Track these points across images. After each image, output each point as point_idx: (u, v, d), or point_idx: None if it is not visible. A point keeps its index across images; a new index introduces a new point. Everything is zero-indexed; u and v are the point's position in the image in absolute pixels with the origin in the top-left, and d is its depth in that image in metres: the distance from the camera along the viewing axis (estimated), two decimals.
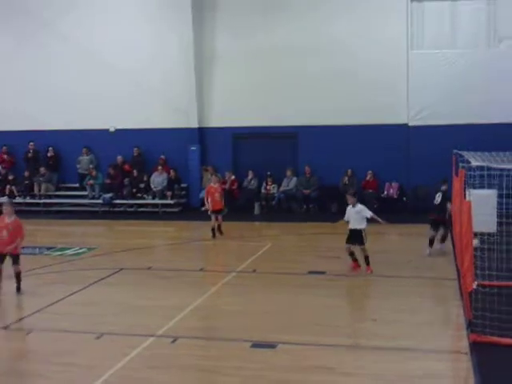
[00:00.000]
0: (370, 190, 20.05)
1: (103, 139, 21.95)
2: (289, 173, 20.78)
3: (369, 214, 12.66)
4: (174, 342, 9.01)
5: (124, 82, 21.47)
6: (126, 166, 21.83)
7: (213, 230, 16.60)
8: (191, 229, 18.70)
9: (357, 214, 12.59)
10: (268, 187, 20.87)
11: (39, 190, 22.01)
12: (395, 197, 19.95)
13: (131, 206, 21.37)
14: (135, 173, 21.51)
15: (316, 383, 7.57)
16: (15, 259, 11.74)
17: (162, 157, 21.60)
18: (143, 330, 9.44)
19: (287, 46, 20.44)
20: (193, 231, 18.40)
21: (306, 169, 20.58)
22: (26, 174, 22.32)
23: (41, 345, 9.22)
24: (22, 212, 20.25)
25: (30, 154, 22.62)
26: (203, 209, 17.72)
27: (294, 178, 20.81)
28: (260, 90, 20.75)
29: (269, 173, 20.85)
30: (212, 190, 16.73)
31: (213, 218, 16.56)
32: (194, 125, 21.56)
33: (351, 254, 12.74)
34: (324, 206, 20.43)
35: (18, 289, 11.73)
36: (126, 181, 21.59)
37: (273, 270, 12.99)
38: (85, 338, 9.28)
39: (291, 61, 20.47)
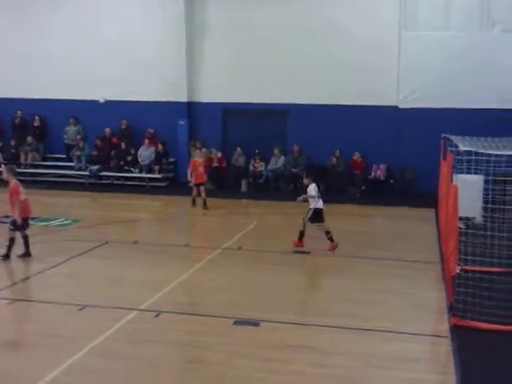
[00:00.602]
0: (358, 171, 20.10)
1: (92, 110, 21.74)
2: (277, 151, 20.74)
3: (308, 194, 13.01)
4: (157, 316, 9.04)
5: (115, 54, 21.23)
6: (114, 139, 21.67)
7: (193, 199, 17.50)
8: (178, 204, 18.67)
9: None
10: (256, 165, 20.84)
11: (25, 160, 21.83)
12: (382, 179, 20.00)
13: (118, 178, 21.27)
14: (123, 145, 21.37)
15: (296, 361, 7.64)
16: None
17: (150, 130, 21.46)
18: (127, 304, 9.46)
19: (279, 23, 20.27)
20: (179, 206, 18.37)
21: (295, 147, 20.55)
22: (13, 142, 22.11)
23: (24, 315, 9.23)
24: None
25: (17, 122, 22.39)
26: (190, 184, 17.76)
27: (283, 157, 20.78)
28: (251, 66, 20.59)
29: (257, 150, 20.79)
30: (196, 164, 17.60)
31: (194, 189, 17.50)
32: (184, 99, 21.40)
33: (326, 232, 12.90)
34: None
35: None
36: (113, 153, 21.45)
37: (258, 248, 13.03)
38: (68, 310, 9.30)
39: (283, 38, 20.31)
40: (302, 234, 12.92)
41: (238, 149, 20.98)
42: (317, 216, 12.81)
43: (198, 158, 17.90)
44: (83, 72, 21.40)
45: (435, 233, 14.64)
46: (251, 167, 20.86)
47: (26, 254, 11.87)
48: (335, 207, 17.79)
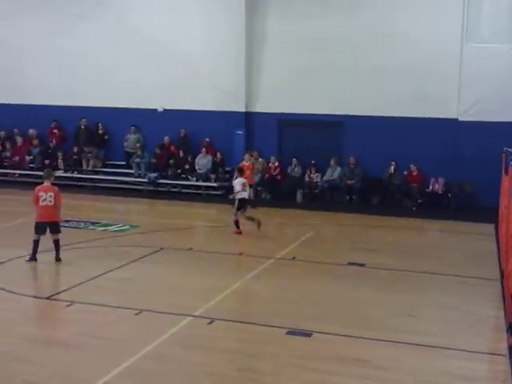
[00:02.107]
0: (415, 184, 19.79)
1: (151, 119, 22.14)
2: (333, 162, 20.64)
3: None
4: (210, 323, 9.11)
5: (174, 64, 21.56)
6: (172, 147, 22.01)
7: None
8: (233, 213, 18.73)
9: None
10: (311, 175, 20.78)
11: (87, 166, 22.41)
12: (440, 192, 19.64)
13: (175, 186, 21.57)
14: (181, 154, 21.68)
15: (351, 374, 7.56)
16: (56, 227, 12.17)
17: (207, 139, 21.70)
18: (181, 310, 9.56)
19: (338, 34, 20.19)
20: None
21: (351, 159, 20.41)
22: (75, 149, 22.73)
23: (80, 317, 9.43)
24: (70, 186, 20.89)
25: (79, 130, 22.99)
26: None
27: (338, 168, 20.67)
28: (308, 77, 20.58)
29: (313, 161, 20.75)
30: (244, 168, 17.95)
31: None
32: (241, 109, 21.58)
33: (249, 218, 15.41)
34: (367, 197, 20.28)
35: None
36: (171, 161, 21.79)
37: (312, 259, 12.98)
38: (124, 314, 9.47)
39: (341, 49, 20.25)
40: (237, 223, 15.38)
41: (294, 159, 20.98)
42: (242, 204, 15.40)
43: (246, 161, 18.64)
44: (144, 81, 21.83)
45: (495, 249, 14.27)
46: (307, 178, 20.81)
47: (57, 259, 12.17)
48: (390, 220, 17.65)
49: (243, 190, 15.53)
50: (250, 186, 18.65)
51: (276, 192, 20.66)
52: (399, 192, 19.94)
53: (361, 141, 20.40)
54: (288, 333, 8.79)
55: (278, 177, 20.90)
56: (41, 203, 12.04)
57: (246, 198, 15.68)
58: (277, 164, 21.02)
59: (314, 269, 12.43)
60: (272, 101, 21.08)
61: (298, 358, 8.00)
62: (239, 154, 20.95)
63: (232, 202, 15.89)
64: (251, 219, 15.56)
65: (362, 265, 12.62)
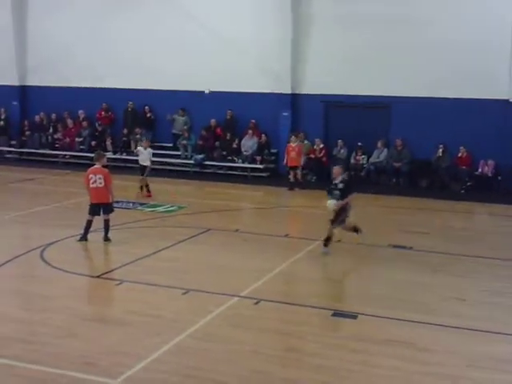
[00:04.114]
0: (463, 167, 19.47)
1: (198, 101, 22.31)
2: (380, 144, 20.45)
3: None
4: (257, 303, 9.24)
5: (221, 46, 21.64)
6: (218, 129, 22.15)
7: (291, 182, 19.11)
8: (279, 194, 18.85)
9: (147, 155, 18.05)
10: (357, 157, 20.66)
11: (135, 148, 22.72)
12: (490, 175, 19.28)
13: (221, 168, 21.75)
14: (227, 135, 21.81)
15: (396, 356, 7.58)
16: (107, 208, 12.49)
17: (253, 121, 21.75)
18: (228, 290, 9.71)
19: (386, 14, 19.88)
20: (280, 197, 18.55)
21: (398, 141, 20.19)
22: (124, 131, 23.09)
23: (130, 295, 9.67)
24: (119, 168, 21.29)
25: (127, 112, 23.33)
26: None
27: (385, 150, 20.47)
28: (355, 58, 20.36)
29: (359, 143, 20.60)
30: (290, 149, 19.26)
31: (291, 173, 19.21)
32: (287, 90, 21.53)
33: None
34: (414, 180, 20.05)
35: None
36: (218, 143, 21.94)
37: (357, 242, 12.95)
38: (172, 293, 9.68)
39: (389, 30, 19.95)
40: (144, 187, 17.47)
41: (340, 141, 20.87)
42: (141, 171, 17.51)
43: (292, 143, 19.28)
44: (191, 63, 21.98)
45: None
46: (353, 160, 20.69)
47: (105, 239, 12.45)
48: (438, 203, 17.44)
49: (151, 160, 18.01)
50: (296, 167, 19.14)
51: (321, 174, 20.60)
52: (447, 175, 19.66)
53: (408, 122, 20.14)
54: (333, 314, 8.86)
55: (324, 159, 20.84)
56: (91, 185, 12.33)
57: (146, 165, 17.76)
58: (322, 146, 20.95)
59: (360, 251, 12.42)
60: (318, 82, 20.95)
61: (342, 340, 8.07)
62: (285, 136, 20.97)
63: None
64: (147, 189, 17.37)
65: (410, 247, 12.55)
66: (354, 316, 8.80)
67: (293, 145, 19.24)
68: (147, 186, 17.54)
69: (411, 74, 19.79)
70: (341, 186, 11.92)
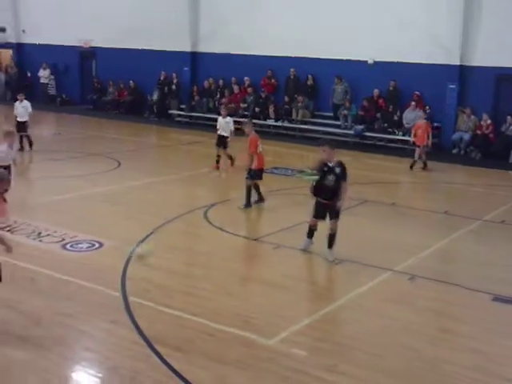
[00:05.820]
0: None
1: (361, 71, 22.02)
2: None
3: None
4: (411, 279, 9.13)
5: (386, 15, 21.09)
6: (381, 100, 21.76)
7: (414, 161, 17.97)
8: (440, 170, 18.22)
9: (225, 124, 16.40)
10: None
11: (296, 116, 23.04)
12: None
13: (381, 140, 21.42)
14: (389, 107, 21.38)
15: None
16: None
17: (417, 93, 21.08)
18: (381, 263, 9.67)
19: None
20: (441, 172, 17.94)
21: None
22: (286, 99, 23.43)
23: (286, 260, 9.91)
24: (280, 135, 21.77)
25: (289, 80, 23.61)
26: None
27: None
28: None
29: None
30: (416, 127, 18.35)
31: (416, 150, 18.05)
32: (456, 62, 20.58)
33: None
34: None
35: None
36: (379, 115, 21.60)
37: None
38: (322, 262, 9.76)
39: None
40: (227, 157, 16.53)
41: (509, 117, 19.65)
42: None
43: (420, 120, 18.56)
44: (353, 33, 21.66)
45: None
46: None
47: (259, 200, 12.80)
48: None
49: None
50: (423, 146, 18.02)
51: (487, 151, 19.61)
52: None
53: None
54: (494, 299, 8.50)
55: (491, 135, 19.78)
56: (259, 150, 12.74)
57: None
58: (489, 122, 19.87)
59: None
60: (490, 54, 19.79)
61: (501, 325, 7.78)
62: (451, 110, 20.16)
63: None
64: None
65: None
66: None
67: (421, 122, 18.41)
68: (229, 156, 16.40)
69: None
70: (338, 170, 10.02)
